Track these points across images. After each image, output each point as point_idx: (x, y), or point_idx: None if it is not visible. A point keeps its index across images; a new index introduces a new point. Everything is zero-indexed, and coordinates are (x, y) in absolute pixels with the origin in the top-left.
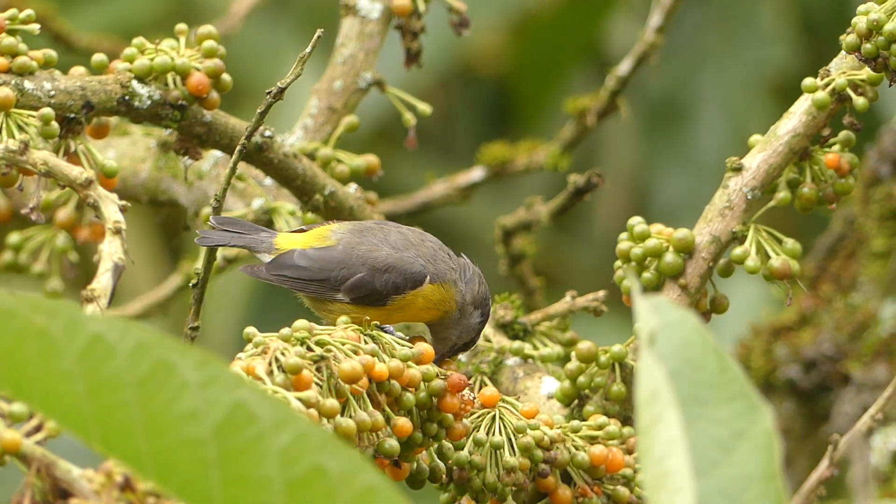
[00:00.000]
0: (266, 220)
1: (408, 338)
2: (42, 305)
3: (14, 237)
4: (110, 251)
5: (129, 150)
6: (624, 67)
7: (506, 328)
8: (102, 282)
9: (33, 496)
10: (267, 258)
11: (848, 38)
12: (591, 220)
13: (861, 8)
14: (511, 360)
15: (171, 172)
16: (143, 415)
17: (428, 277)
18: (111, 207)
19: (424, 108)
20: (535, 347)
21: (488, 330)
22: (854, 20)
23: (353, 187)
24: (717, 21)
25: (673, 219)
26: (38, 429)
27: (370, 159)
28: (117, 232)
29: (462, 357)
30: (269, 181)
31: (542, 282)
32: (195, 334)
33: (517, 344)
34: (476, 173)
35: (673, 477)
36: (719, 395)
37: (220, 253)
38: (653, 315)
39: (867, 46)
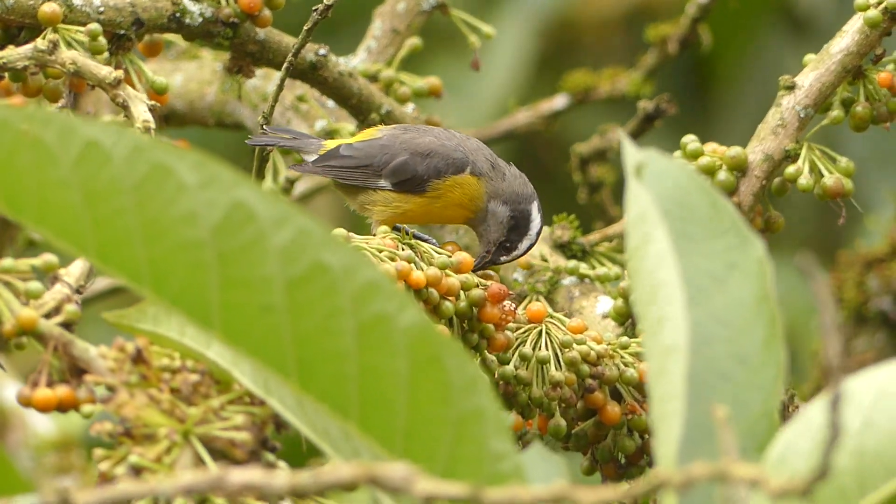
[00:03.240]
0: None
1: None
2: (35, 115)
3: None
4: None
5: (197, 73)
6: None
7: (563, 248)
8: None
9: (50, 374)
10: (313, 158)
11: None
12: None
13: None
14: (567, 280)
15: (236, 95)
16: (139, 220)
17: (469, 167)
18: (140, 107)
19: (489, 30)
20: (593, 267)
21: (545, 249)
22: None
23: (410, 107)
24: None
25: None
26: (57, 310)
27: (432, 81)
28: (147, 131)
29: (519, 277)
30: (332, 103)
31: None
32: None
33: (573, 263)
34: (559, 101)
35: (664, 287)
36: (711, 230)
37: (284, 175)
38: (642, 156)
39: None
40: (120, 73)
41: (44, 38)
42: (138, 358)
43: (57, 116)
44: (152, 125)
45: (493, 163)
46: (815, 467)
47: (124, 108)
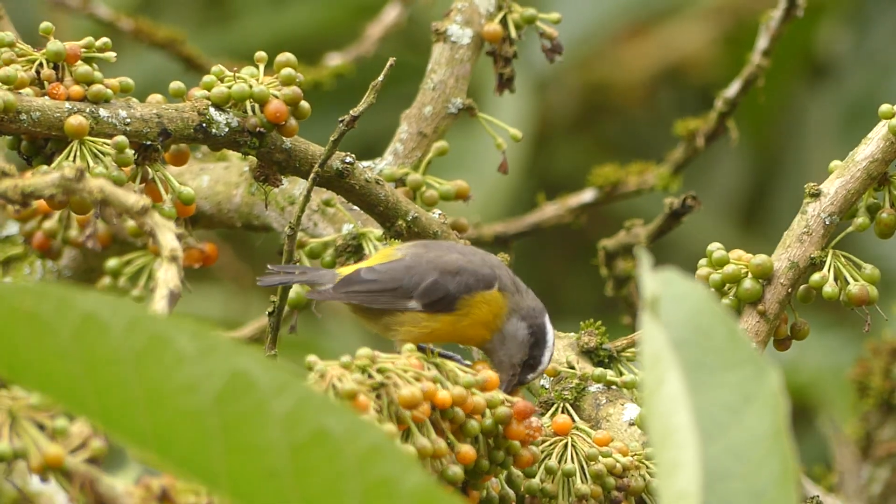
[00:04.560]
0: (355, 245)
1: (470, 364)
2: (29, 289)
3: (112, 262)
4: (166, 278)
5: (224, 175)
6: (732, 90)
7: (590, 354)
8: (158, 309)
9: None
10: (331, 287)
11: None
12: None
13: None
14: (594, 387)
15: (263, 197)
16: (141, 389)
17: (497, 282)
18: (168, 235)
19: (515, 133)
20: (619, 374)
21: (572, 356)
22: None
23: (436, 213)
24: None
25: None
26: (83, 446)
27: (460, 184)
28: (174, 259)
29: (545, 383)
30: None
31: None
32: None
33: (599, 370)
34: (587, 194)
35: (677, 432)
36: (727, 360)
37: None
38: (659, 284)
39: None
40: (148, 201)
41: (68, 156)
42: (164, 497)
43: (52, 291)
44: (180, 253)
45: (514, 279)
46: None
47: (152, 235)
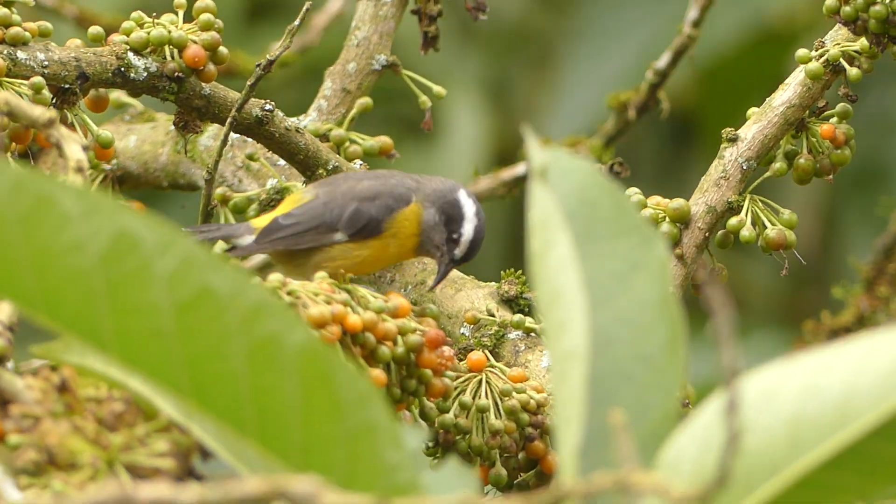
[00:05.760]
0: (279, 200)
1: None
2: None
3: None
4: None
5: (151, 134)
6: (662, 61)
7: (510, 303)
8: None
9: None
10: (249, 239)
11: (828, 2)
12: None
13: None
14: (513, 334)
15: (189, 155)
16: (27, 250)
17: (413, 196)
18: (73, 147)
19: (440, 90)
20: (538, 321)
21: (492, 304)
22: None
23: (358, 163)
24: None
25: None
26: None
27: (384, 139)
28: (79, 170)
29: (465, 331)
30: (283, 162)
31: None
32: None
33: (518, 317)
34: (521, 168)
35: (564, 293)
36: (615, 230)
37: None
38: (547, 157)
39: (846, 9)
40: (53, 114)
41: None
42: (63, 388)
43: None
44: (85, 164)
45: (418, 181)
46: (716, 474)
47: (58, 147)
